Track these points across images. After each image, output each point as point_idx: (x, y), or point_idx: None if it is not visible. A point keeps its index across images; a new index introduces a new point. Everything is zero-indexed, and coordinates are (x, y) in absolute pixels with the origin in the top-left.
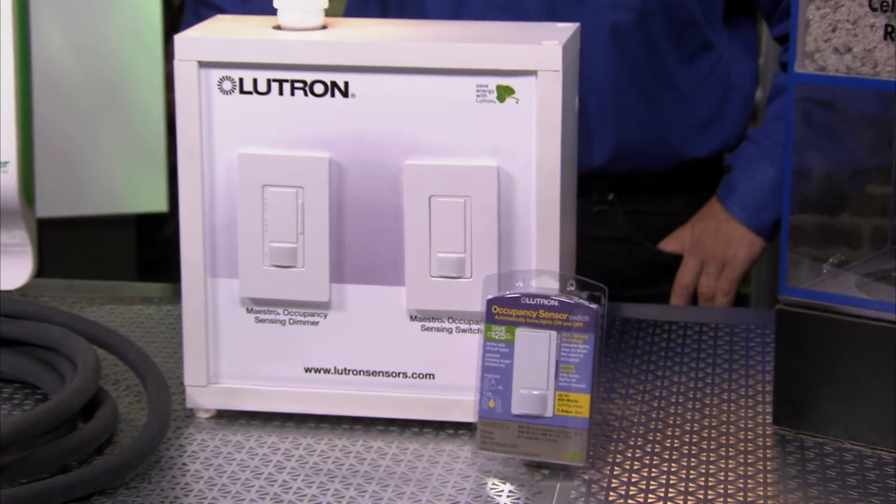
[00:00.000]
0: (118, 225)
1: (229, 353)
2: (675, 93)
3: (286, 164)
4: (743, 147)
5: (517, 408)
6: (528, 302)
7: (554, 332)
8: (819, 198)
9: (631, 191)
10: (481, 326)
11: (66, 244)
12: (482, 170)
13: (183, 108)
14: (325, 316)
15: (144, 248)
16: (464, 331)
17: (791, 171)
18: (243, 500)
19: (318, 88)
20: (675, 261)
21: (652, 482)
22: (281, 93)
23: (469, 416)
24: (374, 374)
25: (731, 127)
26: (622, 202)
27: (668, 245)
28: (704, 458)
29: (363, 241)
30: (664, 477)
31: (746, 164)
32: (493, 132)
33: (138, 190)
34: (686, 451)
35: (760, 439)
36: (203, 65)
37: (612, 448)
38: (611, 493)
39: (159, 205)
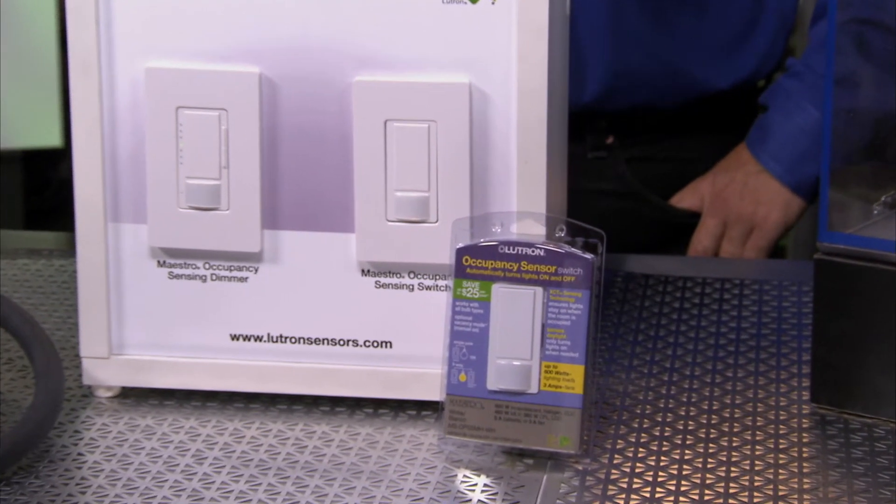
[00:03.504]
0: (1, 163)
1: (136, 318)
2: (690, 5)
3: (205, 80)
4: (780, 81)
5: (494, 382)
6: (507, 251)
7: (539, 289)
8: (871, 144)
9: (635, 132)
10: (449, 282)
11: None
12: (450, 87)
13: (75, 13)
14: (256, 270)
15: (33, 194)
16: (428, 288)
17: (832, 93)
18: (154, 497)
19: None
20: (691, 220)
21: (661, 473)
22: None
23: (434, 393)
24: (316, 342)
25: (764, 51)
26: (624, 147)
27: (683, 200)
28: (726, 444)
29: (302, 178)
30: (675, 467)
31: (784, 102)
32: (464, 41)
33: (25, 121)
34: (703, 436)
35: (795, 420)
36: None
37: (612, 432)
38: (609, 487)
39: (51, 139)
